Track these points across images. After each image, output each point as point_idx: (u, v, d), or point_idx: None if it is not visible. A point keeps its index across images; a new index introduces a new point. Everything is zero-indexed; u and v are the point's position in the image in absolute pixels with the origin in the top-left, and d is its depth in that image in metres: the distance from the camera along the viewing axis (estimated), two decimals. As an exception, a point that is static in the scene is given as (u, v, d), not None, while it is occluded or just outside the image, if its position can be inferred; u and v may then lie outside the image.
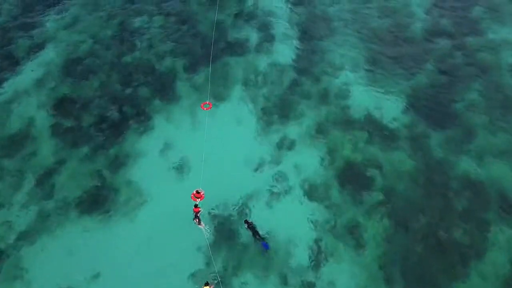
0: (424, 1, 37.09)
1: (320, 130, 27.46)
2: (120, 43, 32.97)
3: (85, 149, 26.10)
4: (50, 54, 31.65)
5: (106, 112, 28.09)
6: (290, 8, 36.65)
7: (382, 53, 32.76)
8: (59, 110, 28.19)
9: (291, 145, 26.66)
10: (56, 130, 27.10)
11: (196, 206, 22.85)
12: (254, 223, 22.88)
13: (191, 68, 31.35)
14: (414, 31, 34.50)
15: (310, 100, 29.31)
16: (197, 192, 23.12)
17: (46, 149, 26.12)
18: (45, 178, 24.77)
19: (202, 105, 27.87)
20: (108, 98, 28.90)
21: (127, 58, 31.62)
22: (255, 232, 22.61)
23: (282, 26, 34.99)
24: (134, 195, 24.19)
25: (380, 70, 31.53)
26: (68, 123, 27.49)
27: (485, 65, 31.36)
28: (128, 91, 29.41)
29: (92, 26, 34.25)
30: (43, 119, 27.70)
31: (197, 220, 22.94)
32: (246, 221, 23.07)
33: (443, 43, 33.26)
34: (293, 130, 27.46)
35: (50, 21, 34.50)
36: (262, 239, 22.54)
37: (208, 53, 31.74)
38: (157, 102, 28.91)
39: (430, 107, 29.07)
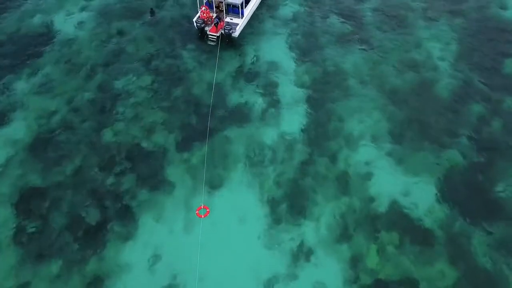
0: (448, 53, 32.60)
1: (341, 231, 22.80)
2: (100, 112, 28.06)
3: (54, 266, 21.08)
4: (16, 130, 26.61)
5: (81, 211, 23.14)
6: (298, 63, 31.97)
7: (406, 120, 28.21)
8: (24, 208, 23.17)
9: (307, 254, 21.94)
10: (19, 238, 22.09)
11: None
12: None
13: (184, 145, 26.55)
14: (441, 91, 29.98)
15: (326, 187, 24.66)
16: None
17: (5, 265, 21.13)
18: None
19: (197, 211, 23.13)
20: (84, 191, 23.95)
21: (108, 134, 26.68)
22: None
23: (289, 86, 30.31)
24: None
25: (405, 143, 26.97)
26: (34, 227, 22.48)
27: (529, 138, 27.00)
28: (109, 180, 24.47)
29: (68, 89, 29.27)
30: (3, 222, 22.70)
31: None
32: None
33: (476, 108, 28.77)
34: (309, 232, 22.75)
35: (19, 83, 29.50)
36: None
37: (205, 124, 27.10)
38: (143, 194, 24.03)
39: (468, 193, 24.56)
